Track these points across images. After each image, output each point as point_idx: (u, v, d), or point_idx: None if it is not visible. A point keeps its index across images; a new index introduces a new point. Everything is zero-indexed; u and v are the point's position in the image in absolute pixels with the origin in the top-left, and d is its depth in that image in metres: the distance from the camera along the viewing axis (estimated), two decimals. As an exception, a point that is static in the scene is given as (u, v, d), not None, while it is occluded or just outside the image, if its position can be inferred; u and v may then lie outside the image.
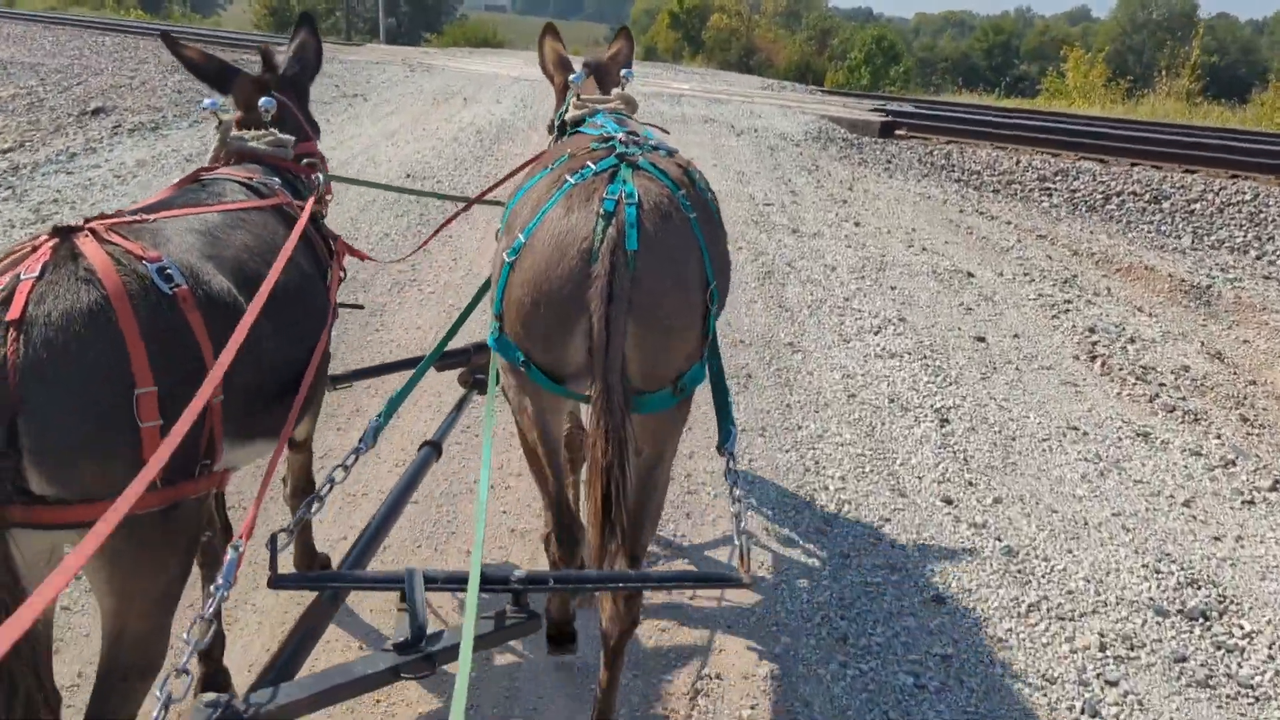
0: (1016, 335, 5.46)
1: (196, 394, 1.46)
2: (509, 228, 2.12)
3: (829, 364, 4.75)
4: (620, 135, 2.17)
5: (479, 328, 2.66)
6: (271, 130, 2.49)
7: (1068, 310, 5.94)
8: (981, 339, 5.32)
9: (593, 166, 1.98)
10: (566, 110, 2.68)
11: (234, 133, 2.46)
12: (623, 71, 2.88)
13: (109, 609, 1.62)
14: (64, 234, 1.56)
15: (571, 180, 1.96)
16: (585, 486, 1.94)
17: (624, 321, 1.79)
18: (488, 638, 1.91)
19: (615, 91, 2.71)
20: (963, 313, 5.74)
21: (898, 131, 12.92)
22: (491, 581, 1.85)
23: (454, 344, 2.70)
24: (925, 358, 4.93)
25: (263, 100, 2.50)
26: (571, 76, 2.78)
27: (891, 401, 4.35)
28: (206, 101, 2.53)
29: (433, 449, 2.54)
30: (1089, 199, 9.88)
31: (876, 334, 5.20)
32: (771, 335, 5.09)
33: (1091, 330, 5.56)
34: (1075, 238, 7.75)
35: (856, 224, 7.52)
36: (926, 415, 4.25)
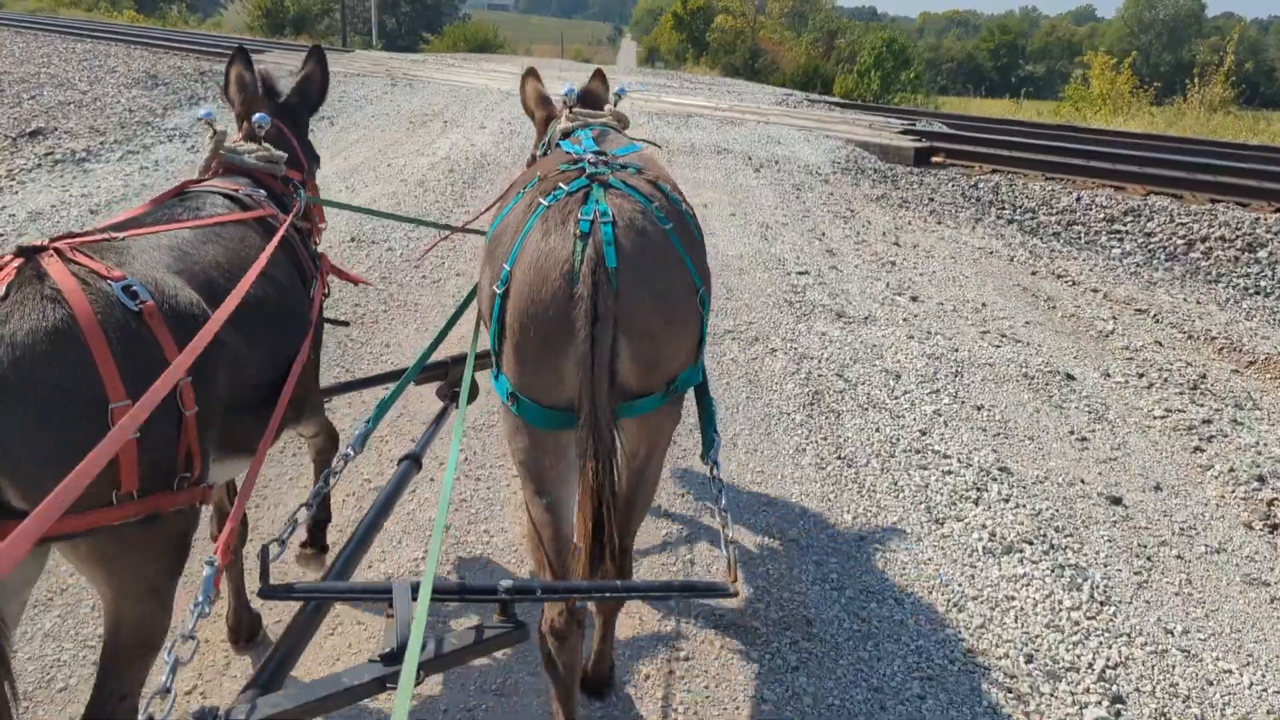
0: (1158, 488, 3.97)
1: (147, 392, 1.44)
2: (492, 257, 2.12)
3: (923, 579, 3.22)
4: (588, 155, 2.17)
5: (458, 341, 2.96)
6: (265, 145, 2.52)
7: (1211, 438, 4.46)
8: (1117, 500, 3.83)
9: (564, 188, 1.99)
10: (552, 136, 2.71)
11: (227, 144, 2.48)
12: (615, 89, 2.96)
13: (106, 600, 1.66)
14: (28, 254, 1.57)
15: (545, 203, 1.97)
16: (539, 511, 1.98)
17: (610, 339, 1.79)
18: (474, 648, 1.90)
19: (608, 108, 2.79)
20: (1078, 448, 4.25)
21: (934, 159, 11.44)
22: (479, 591, 1.89)
23: (434, 357, 2.75)
24: (1052, 549, 3.44)
25: (257, 116, 2.54)
26: (564, 89, 2.81)
27: (1029, 661, 2.85)
28: (202, 111, 2.53)
29: (413, 462, 2.56)
30: (1168, 245, 8.39)
31: (977, 503, 3.70)
32: (835, 521, 3.55)
33: (1260, 480, 4.07)
34: (1182, 312, 6.26)
35: (914, 298, 6.04)
36: (1088, 691, 2.75)
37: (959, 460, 4.01)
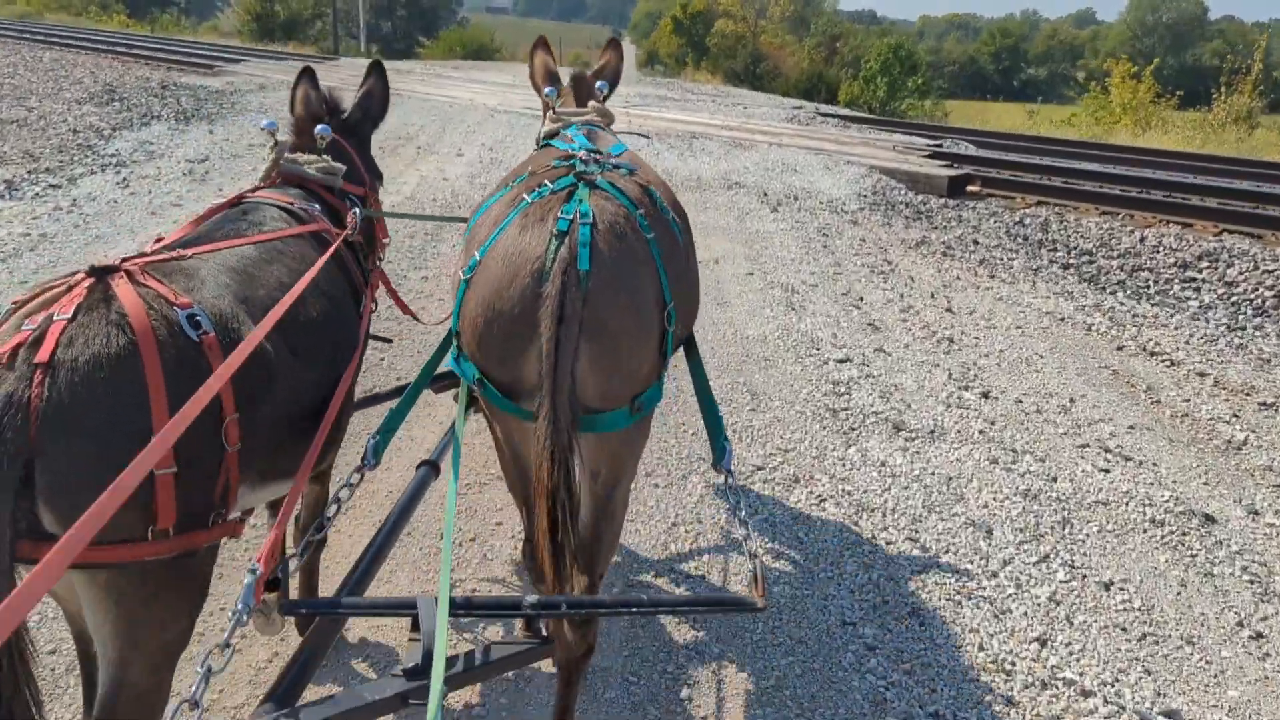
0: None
1: (177, 414, 1.41)
2: (467, 245, 2.09)
3: None
4: (581, 153, 2.14)
5: None
6: (324, 157, 2.54)
7: None
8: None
9: (550, 185, 1.97)
10: (542, 126, 2.70)
11: (288, 155, 2.50)
12: (598, 84, 2.86)
13: (110, 659, 1.59)
14: (100, 274, 1.57)
15: (528, 199, 1.95)
16: (536, 513, 1.84)
17: (574, 342, 1.77)
18: (501, 663, 1.89)
19: (592, 104, 2.74)
20: (1257, 656, 3.00)
21: (970, 187, 10.20)
22: (503, 607, 1.93)
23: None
24: None
25: (319, 127, 2.56)
26: (546, 90, 2.78)
27: None
28: (265, 122, 2.57)
29: (430, 468, 2.51)
30: (1254, 298, 7.15)
31: (1155, 800, 2.44)
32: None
33: None
34: (1316, 406, 5.00)
35: (985, 393, 4.78)
36: None
37: (1106, 700, 2.74)
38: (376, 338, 2.77)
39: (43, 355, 1.42)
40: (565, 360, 1.74)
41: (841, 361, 4.94)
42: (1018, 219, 9.14)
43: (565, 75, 2.89)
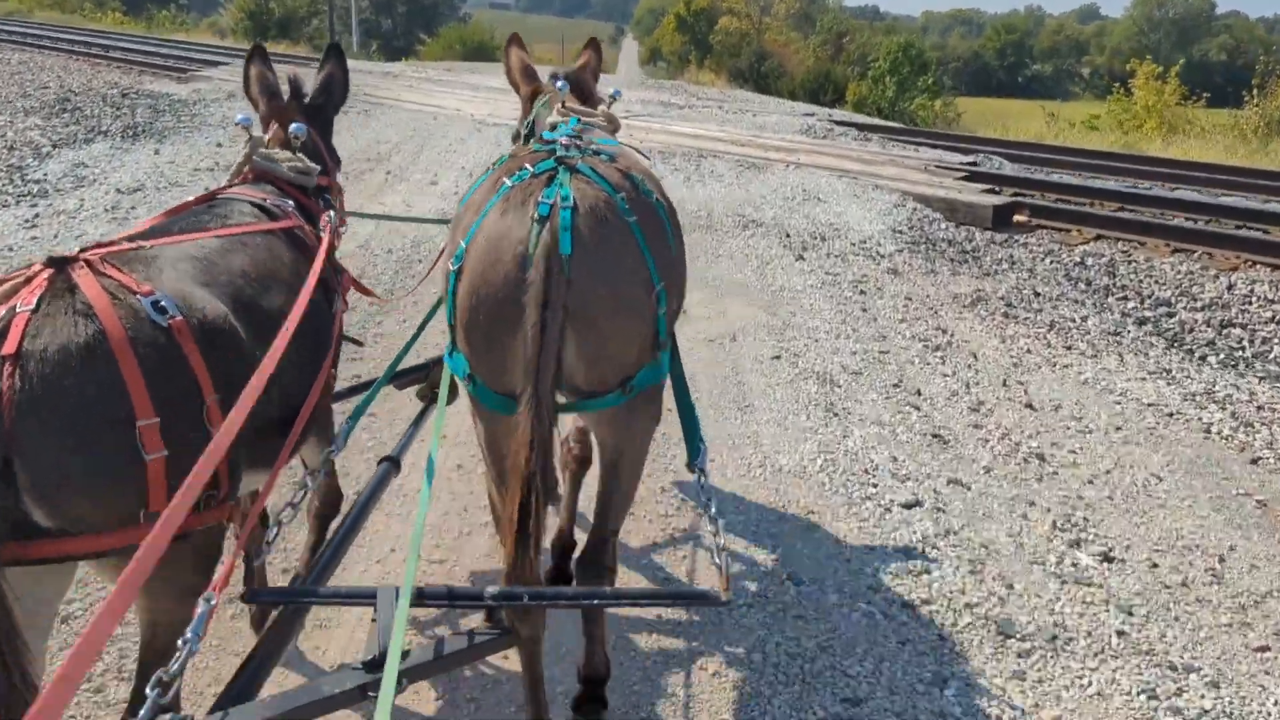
0: None
1: (214, 440, 1.45)
2: (452, 233, 2.10)
3: None
4: (563, 139, 2.12)
5: (435, 344, 3.14)
6: (299, 156, 2.53)
7: None
8: None
9: (530, 169, 1.96)
10: (534, 119, 2.68)
11: (262, 151, 2.48)
12: (611, 90, 2.89)
13: (139, 607, 1.70)
14: (59, 265, 1.56)
15: (509, 183, 1.94)
16: (503, 496, 1.90)
17: (558, 328, 1.76)
18: (460, 655, 1.88)
19: (601, 108, 2.71)
20: None
21: (1017, 217, 8.93)
22: (463, 597, 1.91)
23: (412, 361, 2.84)
24: None
25: (294, 126, 2.57)
26: (558, 84, 2.69)
27: None
28: (239, 117, 2.57)
29: (391, 464, 2.50)
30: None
31: None
32: None
33: None
34: None
35: (1105, 556, 3.49)
36: None
37: None
38: (348, 339, 2.72)
39: (9, 348, 1.41)
40: (550, 346, 1.73)
41: (909, 507, 3.67)
42: (1077, 258, 7.88)
43: (544, 74, 2.91)
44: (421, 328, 2.66)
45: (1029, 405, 4.76)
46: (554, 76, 2.80)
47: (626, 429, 2.04)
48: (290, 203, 2.36)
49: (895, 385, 4.80)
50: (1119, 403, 4.94)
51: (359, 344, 3.19)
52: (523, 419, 1.73)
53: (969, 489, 3.89)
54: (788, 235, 7.43)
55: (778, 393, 4.58)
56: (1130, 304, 6.93)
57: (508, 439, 1.85)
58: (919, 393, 4.76)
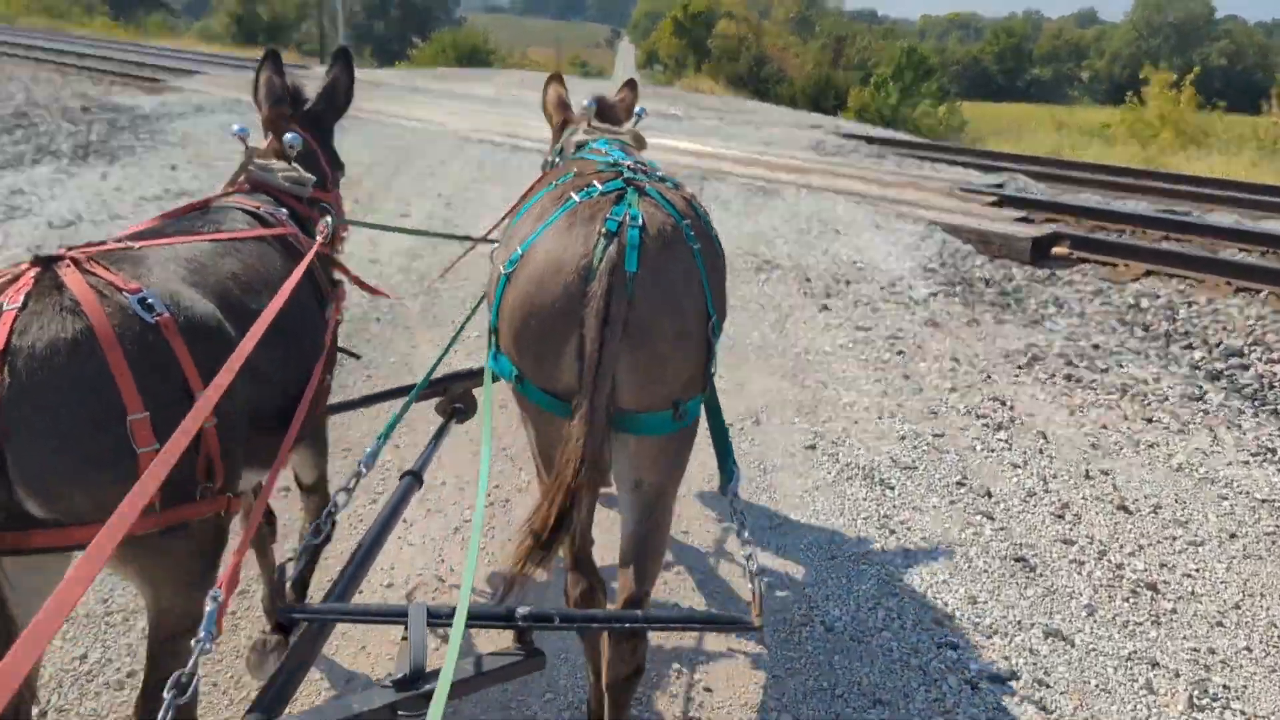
0: None
1: (186, 419, 1.45)
2: (507, 241, 2.08)
3: None
4: (628, 162, 2.15)
5: (460, 358, 3.46)
6: (295, 166, 2.52)
7: None
8: None
9: (599, 186, 1.96)
10: (572, 135, 2.66)
11: (257, 160, 2.47)
12: (637, 109, 2.90)
13: (146, 595, 1.71)
14: (46, 263, 1.57)
15: (576, 198, 1.93)
16: (544, 500, 1.82)
17: (617, 343, 1.75)
18: (489, 676, 1.84)
19: (627, 126, 2.75)
20: None
21: (1056, 250, 8.09)
22: (494, 618, 1.84)
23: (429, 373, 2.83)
24: None
25: (288, 136, 2.54)
26: (585, 102, 2.75)
27: None
28: (235, 127, 2.53)
29: (414, 479, 2.49)
30: None
31: None
32: None
33: None
34: None
35: (1267, 755, 2.64)
36: None
37: None
38: (345, 351, 2.71)
39: None
40: (609, 360, 1.74)
41: (999, 681, 2.78)
42: (1130, 299, 7.03)
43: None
44: (451, 343, 2.63)
45: (1122, 507, 3.89)
46: (600, 101, 2.82)
47: (671, 462, 2.00)
48: (284, 211, 2.34)
49: (959, 484, 3.93)
50: (1225, 497, 4.08)
51: (356, 356, 3.13)
52: (576, 431, 1.74)
53: (1073, 644, 3.01)
54: (808, 279, 6.53)
55: (817, 502, 3.69)
56: (1198, 353, 6.10)
57: (558, 443, 1.83)
58: (989, 493, 3.88)
